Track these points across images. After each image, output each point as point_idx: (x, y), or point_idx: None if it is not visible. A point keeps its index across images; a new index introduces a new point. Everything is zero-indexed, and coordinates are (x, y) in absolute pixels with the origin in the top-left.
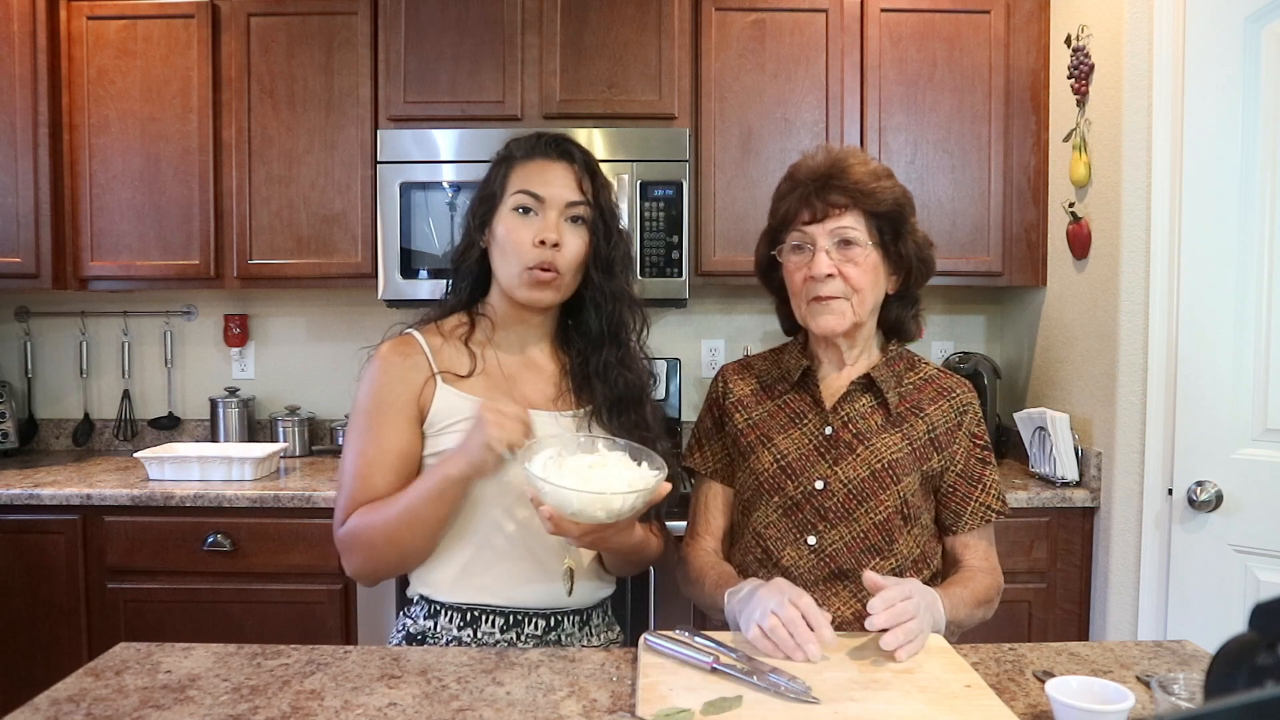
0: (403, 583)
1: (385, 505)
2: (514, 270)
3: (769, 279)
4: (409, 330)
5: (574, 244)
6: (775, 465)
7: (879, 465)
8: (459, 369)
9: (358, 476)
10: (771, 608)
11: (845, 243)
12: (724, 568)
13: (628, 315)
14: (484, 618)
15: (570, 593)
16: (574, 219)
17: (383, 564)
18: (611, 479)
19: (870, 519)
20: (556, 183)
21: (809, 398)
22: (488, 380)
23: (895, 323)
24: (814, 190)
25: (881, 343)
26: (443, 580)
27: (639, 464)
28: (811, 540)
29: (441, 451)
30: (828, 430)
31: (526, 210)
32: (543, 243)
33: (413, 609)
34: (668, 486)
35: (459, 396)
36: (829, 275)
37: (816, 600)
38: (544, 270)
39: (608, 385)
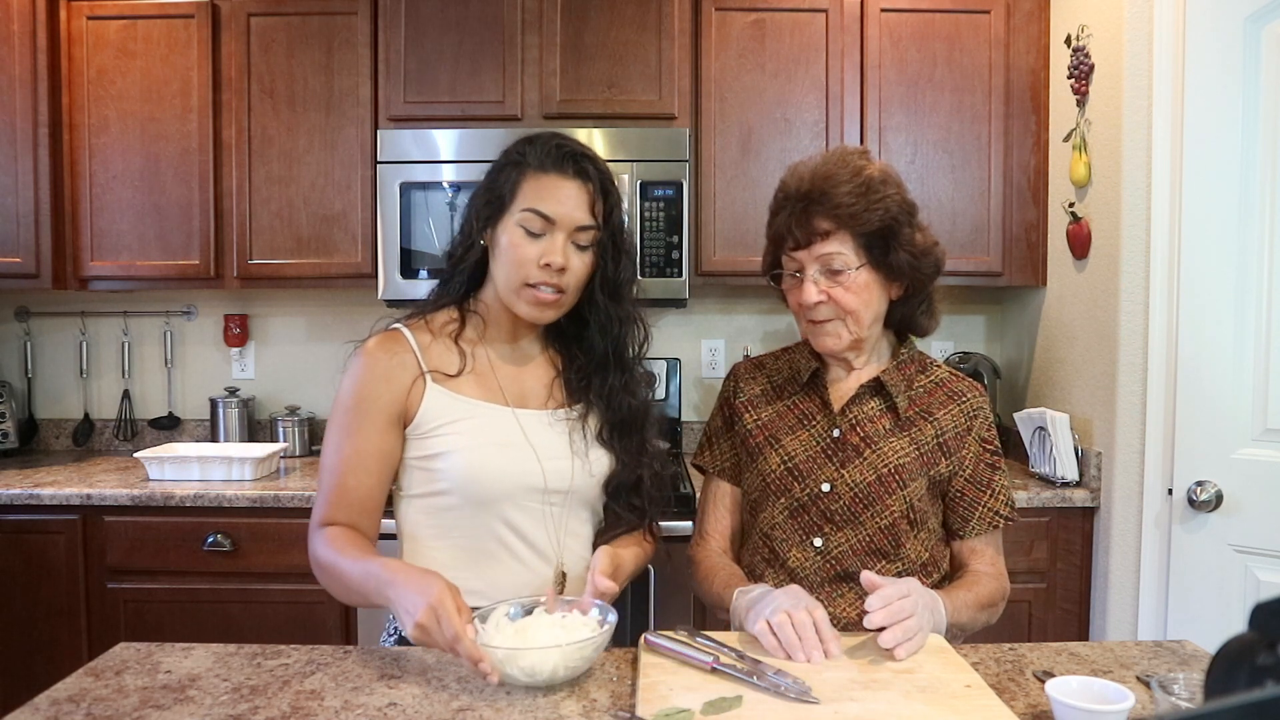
0: None
1: (344, 562)
2: (513, 285)
3: (779, 287)
4: (396, 326)
5: (579, 266)
6: (782, 467)
7: (885, 469)
8: (448, 368)
9: (335, 476)
10: (786, 608)
11: (832, 270)
12: (733, 568)
13: (633, 336)
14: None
15: (562, 593)
16: (580, 244)
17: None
18: (539, 633)
19: (876, 523)
20: (569, 203)
21: (818, 399)
22: (478, 379)
23: (904, 321)
24: (797, 215)
25: (893, 344)
26: None
27: (587, 616)
28: (817, 542)
29: (433, 455)
30: (835, 433)
31: (534, 231)
32: (548, 265)
33: None
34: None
35: (450, 397)
36: (819, 302)
37: (822, 602)
38: (545, 289)
39: (612, 410)
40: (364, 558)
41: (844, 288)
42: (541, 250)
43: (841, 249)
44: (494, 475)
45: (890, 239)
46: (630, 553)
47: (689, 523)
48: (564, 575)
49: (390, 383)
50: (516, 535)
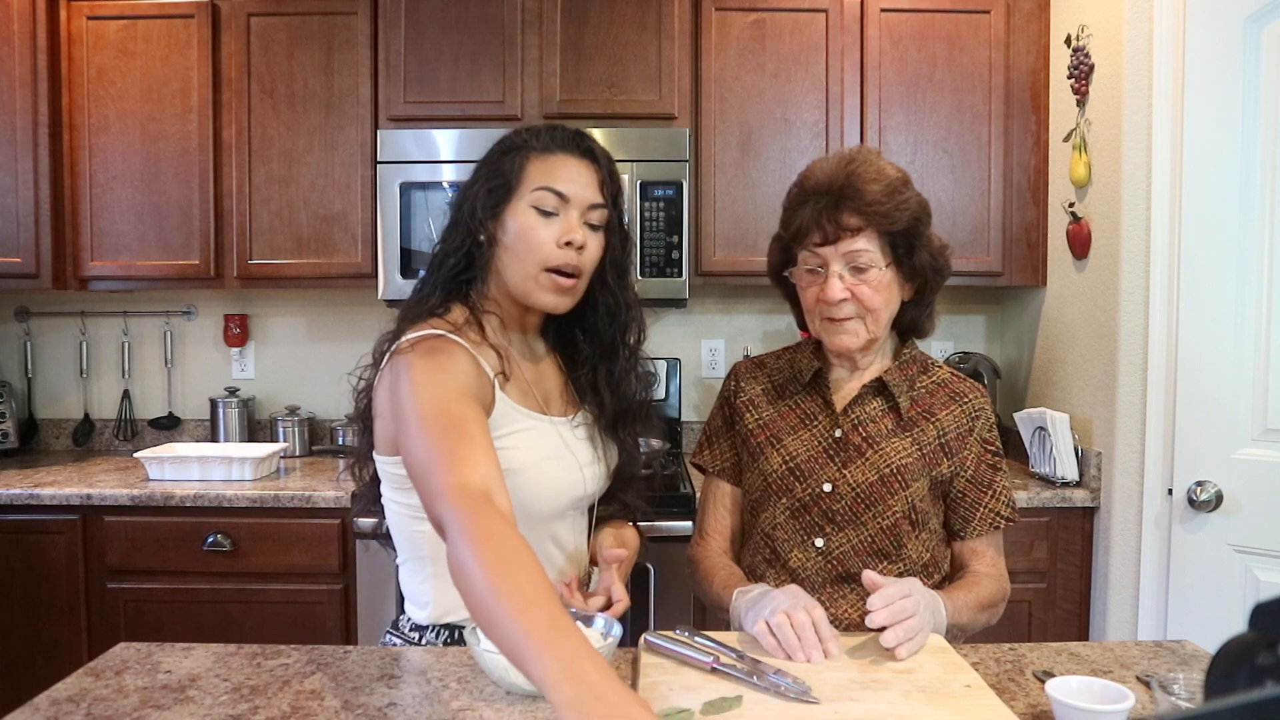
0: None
1: (510, 607)
2: (529, 271)
3: (783, 283)
4: (433, 331)
5: (594, 247)
6: (784, 466)
7: (887, 470)
8: (501, 370)
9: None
10: (785, 608)
11: (858, 267)
12: (733, 568)
13: (637, 322)
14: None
15: (588, 587)
16: (592, 223)
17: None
18: None
19: (878, 523)
20: (580, 181)
21: (820, 399)
22: (517, 384)
23: (910, 324)
24: (825, 209)
25: (895, 345)
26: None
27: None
28: (819, 542)
29: None
30: (837, 433)
31: (547, 209)
32: (569, 244)
33: (428, 635)
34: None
35: (506, 404)
36: (843, 299)
37: (823, 603)
38: (564, 276)
39: (618, 397)
40: (558, 625)
41: (869, 286)
42: (559, 230)
43: (869, 246)
44: (553, 492)
45: (914, 239)
46: (630, 531)
47: (689, 523)
48: (590, 573)
49: (480, 378)
50: (557, 546)
